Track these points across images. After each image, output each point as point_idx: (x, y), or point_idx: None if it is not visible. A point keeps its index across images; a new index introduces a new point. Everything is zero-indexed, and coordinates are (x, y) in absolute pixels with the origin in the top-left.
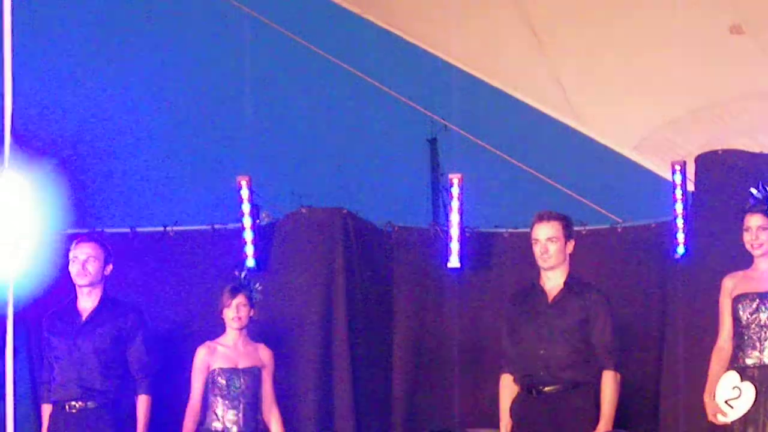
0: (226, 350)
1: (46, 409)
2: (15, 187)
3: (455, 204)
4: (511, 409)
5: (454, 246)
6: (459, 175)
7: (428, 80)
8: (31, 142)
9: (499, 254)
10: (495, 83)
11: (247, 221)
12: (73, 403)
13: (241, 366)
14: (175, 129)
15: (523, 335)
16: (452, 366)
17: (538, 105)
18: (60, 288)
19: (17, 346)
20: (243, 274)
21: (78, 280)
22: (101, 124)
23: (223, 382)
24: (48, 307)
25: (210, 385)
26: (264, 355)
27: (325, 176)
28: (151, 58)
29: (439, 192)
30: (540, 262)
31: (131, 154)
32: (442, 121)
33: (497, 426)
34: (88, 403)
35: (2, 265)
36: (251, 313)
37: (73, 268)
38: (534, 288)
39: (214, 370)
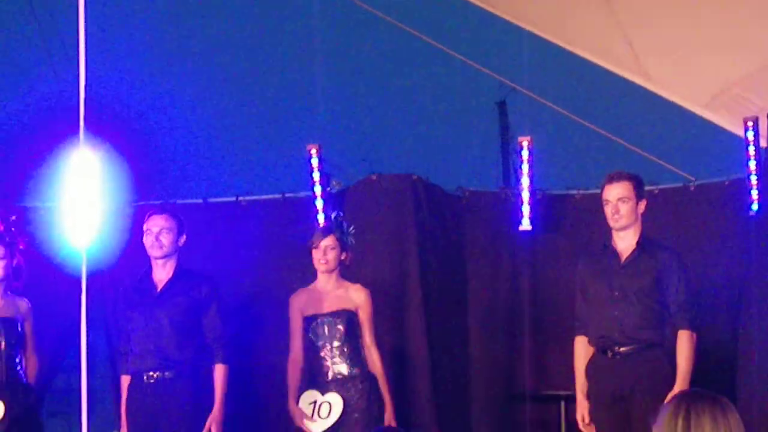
0: (316, 294)
1: (125, 380)
2: (89, 161)
3: (525, 167)
4: (587, 371)
5: (525, 209)
6: (528, 138)
7: (496, 43)
8: (103, 117)
9: (570, 216)
10: (563, 44)
11: (317, 189)
12: (151, 373)
13: (327, 310)
14: (245, 98)
15: (596, 296)
16: (525, 328)
17: (607, 65)
18: (134, 260)
19: (94, 318)
20: (334, 215)
21: (152, 252)
22: (171, 96)
23: (312, 327)
24: (123, 279)
25: (304, 332)
26: (357, 296)
27: (394, 142)
28: (219, 27)
29: (508, 155)
30: (611, 223)
31: (202, 125)
32: (511, 83)
33: (572, 388)
34: (166, 373)
35: (77, 237)
36: (343, 257)
37: (147, 241)
38: (606, 249)
39: (305, 317)
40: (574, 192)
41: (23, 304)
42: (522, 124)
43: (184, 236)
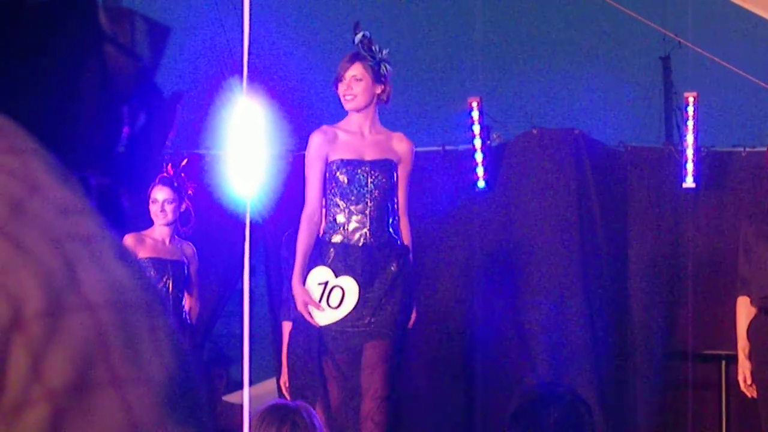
0: (349, 138)
1: (286, 327)
2: (252, 111)
3: (690, 123)
4: (748, 331)
5: (690, 166)
6: (694, 94)
7: None
8: (266, 68)
9: (735, 174)
10: None
11: (477, 142)
12: None
13: (368, 158)
14: (406, 51)
15: (760, 256)
16: (687, 286)
17: None
18: (295, 208)
19: (256, 264)
20: (359, 37)
21: None
22: (333, 47)
23: (345, 177)
24: (284, 227)
25: (328, 182)
26: (401, 146)
27: (555, 96)
28: None
29: (672, 111)
30: None
31: None
32: (676, 37)
33: (734, 347)
34: None
35: (242, 185)
36: (378, 91)
37: None
38: None
39: (333, 162)
40: (741, 149)
41: (189, 249)
42: (686, 79)
43: None
